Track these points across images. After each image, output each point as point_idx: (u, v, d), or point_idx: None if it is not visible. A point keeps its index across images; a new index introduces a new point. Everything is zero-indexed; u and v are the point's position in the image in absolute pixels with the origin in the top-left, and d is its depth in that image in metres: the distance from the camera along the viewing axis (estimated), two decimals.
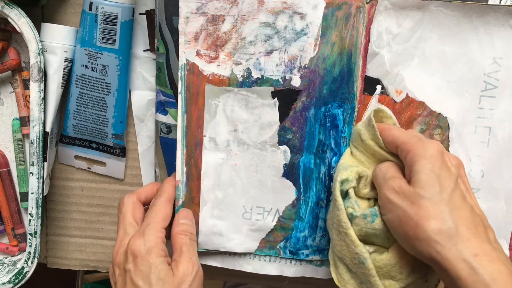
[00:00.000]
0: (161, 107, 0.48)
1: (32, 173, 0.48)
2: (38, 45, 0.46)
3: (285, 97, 0.46)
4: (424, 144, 0.39)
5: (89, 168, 0.53)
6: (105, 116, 0.50)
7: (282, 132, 0.46)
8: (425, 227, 0.36)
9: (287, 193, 0.48)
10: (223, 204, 0.49)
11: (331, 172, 0.47)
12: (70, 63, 0.49)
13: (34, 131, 0.47)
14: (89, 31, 0.47)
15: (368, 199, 0.43)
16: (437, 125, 0.46)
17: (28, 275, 0.50)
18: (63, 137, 0.52)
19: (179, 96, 0.46)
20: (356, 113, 0.46)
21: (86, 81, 0.49)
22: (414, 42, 0.45)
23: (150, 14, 0.48)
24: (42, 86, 0.46)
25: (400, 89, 0.46)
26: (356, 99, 0.46)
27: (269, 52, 0.45)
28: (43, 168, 0.48)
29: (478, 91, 0.46)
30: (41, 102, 0.47)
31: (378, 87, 0.46)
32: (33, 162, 0.47)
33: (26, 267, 0.50)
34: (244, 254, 0.51)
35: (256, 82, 0.45)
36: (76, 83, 0.49)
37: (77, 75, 0.49)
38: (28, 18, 0.46)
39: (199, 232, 0.49)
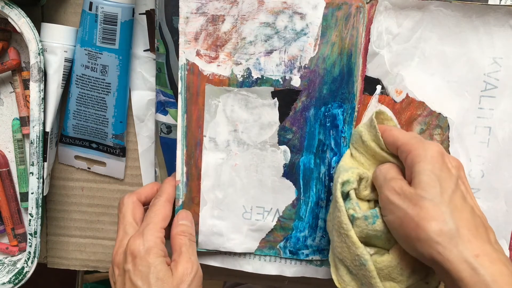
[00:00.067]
0: (161, 107, 0.48)
1: (32, 173, 0.48)
2: (38, 45, 0.46)
3: (285, 97, 0.46)
4: (425, 145, 0.39)
5: (89, 168, 0.53)
6: (105, 116, 0.50)
7: (282, 132, 0.46)
8: (426, 228, 0.36)
9: (287, 193, 0.48)
10: (223, 204, 0.48)
11: (331, 172, 0.47)
12: (70, 63, 0.49)
13: (34, 131, 0.47)
14: (89, 31, 0.47)
15: (369, 200, 0.43)
16: (437, 125, 0.46)
17: (28, 275, 0.50)
18: (63, 137, 0.52)
19: (179, 96, 0.46)
20: (356, 113, 0.46)
21: (86, 81, 0.49)
22: (414, 42, 0.45)
23: (150, 14, 0.48)
24: (42, 86, 0.46)
25: (400, 89, 0.46)
26: (356, 99, 0.46)
27: (269, 52, 0.45)
28: (43, 168, 0.48)
29: (478, 91, 0.46)
30: (41, 102, 0.47)
31: (378, 87, 0.46)
32: (33, 162, 0.47)
33: (26, 267, 0.50)
34: (244, 254, 0.51)
35: (256, 82, 0.45)
36: (76, 83, 0.49)
37: (77, 75, 0.49)
38: (28, 18, 0.46)
39: (199, 232, 0.49)
